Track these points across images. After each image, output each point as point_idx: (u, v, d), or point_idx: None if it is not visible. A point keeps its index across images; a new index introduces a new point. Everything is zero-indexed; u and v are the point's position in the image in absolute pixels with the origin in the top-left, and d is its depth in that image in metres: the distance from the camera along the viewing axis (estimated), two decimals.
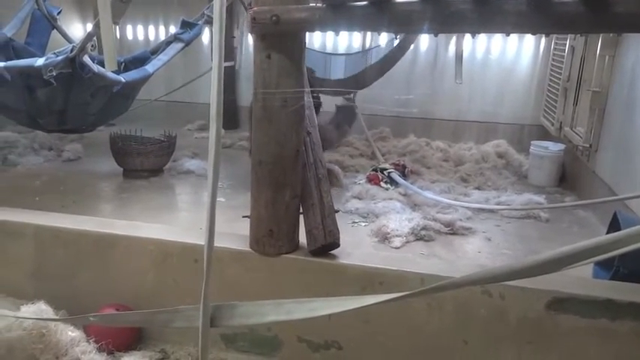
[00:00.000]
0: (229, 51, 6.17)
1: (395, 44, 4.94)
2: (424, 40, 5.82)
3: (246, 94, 6.19)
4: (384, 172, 4.18)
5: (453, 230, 3.34)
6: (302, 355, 2.38)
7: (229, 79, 6.23)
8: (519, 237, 3.33)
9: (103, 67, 3.02)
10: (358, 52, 5.44)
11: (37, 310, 2.24)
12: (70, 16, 6.54)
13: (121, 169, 4.36)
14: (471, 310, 2.17)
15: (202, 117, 6.09)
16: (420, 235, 3.22)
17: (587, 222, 3.60)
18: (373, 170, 4.31)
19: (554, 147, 4.49)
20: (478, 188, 4.28)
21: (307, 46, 2.32)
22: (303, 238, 2.37)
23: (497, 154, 5.06)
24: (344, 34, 6.02)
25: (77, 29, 6.63)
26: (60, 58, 3.04)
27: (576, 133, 4.25)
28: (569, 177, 4.46)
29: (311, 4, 2.16)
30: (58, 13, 4.31)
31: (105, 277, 2.59)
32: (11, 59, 3.61)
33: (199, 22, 4.06)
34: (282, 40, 2.15)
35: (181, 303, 1.53)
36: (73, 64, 3.07)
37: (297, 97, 2.22)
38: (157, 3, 6.55)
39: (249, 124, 3.37)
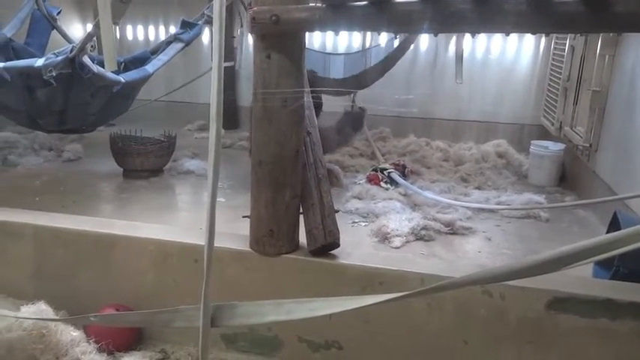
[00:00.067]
0: (229, 51, 6.17)
1: (395, 44, 4.93)
2: (424, 40, 5.82)
3: (246, 94, 6.19)
4: (384, 172, 4.19)
5: (453, 230, 3.34)
6: (302, 355, 2.38)
7: (229, 79, 6.23)
8: (519, 237, 3.33)
9: (103, 67, 3.02)
10: (358, 52, 5.43)
11: (37, 310, 2.24)
12: (70, 17, 6.54)
13: (121, 169, 4.36)
14: (471, 310, 2.17)
15: (202, 117, 6.09)
16: (420, 235, 3.22)
17: (587, 222, 3.60)
18: (373, 170, 4.32)
19: (554, 147, 4.49)
20: (478, 188, 4.28)
21: (307, 46, 2.32)
22: (303, 238, 2.37)
23: (497, 154, 5.06)
24: (344, 34, 6.02)
25: (77, 29, 6.63)
26: (60, 58, 3.04)
27: (576, 133, 4.25)
28: (569, 177, 4.46)
29: (311, 4, 2.16)
30: (58, 13, 4.31)
31: (105, 278, 2.59)
32: (11, 59, 3.61)
33: (199, 22, 4.06)
34: (282, 40, 2.15)
35: (181, 303, 1.53)
36: (73, 64, 3.07)
37: (297, 97, 2.22)
38: (156, 3, 6.55)
39: (249, 124, 3.36)
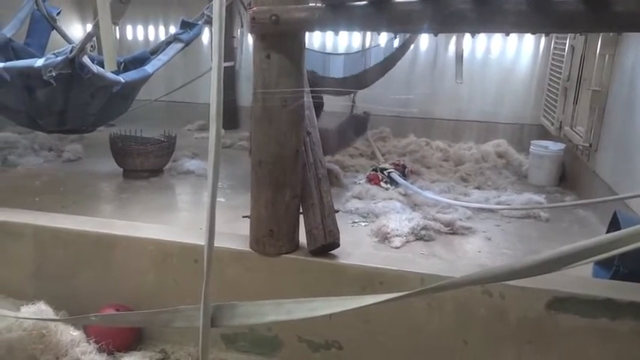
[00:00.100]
0: (229, 51, 6.17)
1: (395, 44, 4.93)
2: (424, 40, 5.82)
3: (246, 94, 6.19)
4: (384, 172, 4.18)
5: (452, 230, 3.34)
6: (302, 355, 2.38)
7: (229, 79, 6.22)
8: (519, 236, 3.33)
9: (103, 67, 3.02)
10: (357, 52, 5.43)
11: (37, 310, 2.24)
12: (70, 17, 6.54)
13: (121, 169, 4.36)
14: (471, 310, 2.17)
15: (202, 117, 6.09)
16: (420, 235, 3.22)
17: (587, 221, 3.60)
18: (373, 170, 4.31)
19: (554, 146, 4.49)
20: (478, 188, 4.28)
21: (306, 46, 2.32)
22: (303, 238, 2.37)
23: (497, 154, 5.06)
24: (343, 34, 6.02)
25: (77, 30, 6.63)
26: (59, 58, 3.04)
27: (576, 133, 4.24)
28: (569, 176, 4.46)
29: (310, 4, 2.16)
30: (58, 13, 4.31)
31: (105, 278, 2.59)
32: (11, 60, 3.61)
33: (199, 22, 4.06)
34: (281, 39, 2.15)
35: (181, 303, 1.53)
36: (73, 64, 3.07)
37: (297, 97, 2.22)
38: (156, 3, 6.55)
39: (249, 124, 3.35)
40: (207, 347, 1.45)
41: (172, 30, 5.11)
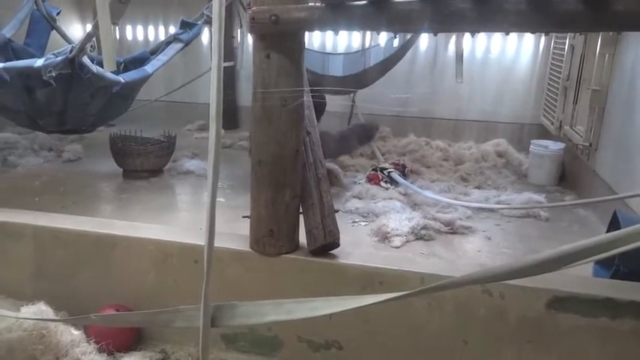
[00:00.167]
0: (229, 51, 6.17)
1: (394, 44, 4.93)
2: (424, 40, 5.81)
3: (246, 94, 6.18)
4: (384, 172, 4.18)
5: (452, 229, 3.34)
6: (302, 355, 2.38)
7: (229, 78, 6.22)
8: (519, 236, 3.33)
9: (103, 67, 3.02)
10: (357, 52, 5.43)
11: (38, 310, 2.24)
12: (70, 17, 6.53)
13: (121, 169, 4.36)
14: (471, 310, 2.17)
15: (202, 117, 6.09)
16: (419, 235, 3.22)
17: (587, 221, 3.60)
18: (373, 170, 4.31)
19: (554, 146, 4.49)
20: (478, 187, 4.27)
21: (306, 46, 2.32)
22: (303, 238, 2.37)
23: (497, 153, 5.06)
24: (343, 34, 6.02)
25: (76, 30, 6.63)
26: (59, 58, 3.04)
27: (576, 132, 4.24)
28: (569, 176, 4.46)
29: (310, 4, 2.16)
30: (58, 13, 4.31)
31: (105, 278, 2.59)
32: (10, 60, 3.61)
33: (199, 22, 4.06)
34: (281, 39, 2.15)
35: (182, 303, 1.53)
36: (73, 64, 3.07)
37: (297, 97, 2.22)
38: (156, 3, 6.55)
39: (249, 124, 3.35)
40: (208, 347, 1.45)
41: (172, 30, 5.11)
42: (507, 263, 1.17)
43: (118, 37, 6.77)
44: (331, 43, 6.13)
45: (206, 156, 1.46)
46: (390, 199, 3.79)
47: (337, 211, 2.38)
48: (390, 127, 5.84)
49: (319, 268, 2.31)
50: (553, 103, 4.95)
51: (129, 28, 6.84)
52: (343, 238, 2.34)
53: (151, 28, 6.79)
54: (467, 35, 4.76)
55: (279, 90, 2.18)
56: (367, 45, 5.84)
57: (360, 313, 2.22)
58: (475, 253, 3.06)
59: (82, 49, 3.01)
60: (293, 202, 2.33)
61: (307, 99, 2.38)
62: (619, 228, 1.71)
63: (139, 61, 4.01)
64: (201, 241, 1.42)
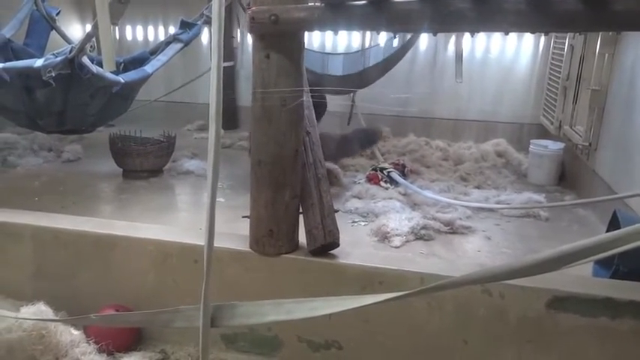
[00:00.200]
0: (228, 51, 6.17)
1: (394, 43, 4.93)
2: (423, 39, 5.81)
3: (245, 93, 6.18)
4: (384, 172, 4.18)
5: (452, 229, 3.34)
6: (302, 355, 2.38)
7: (229, 78, 6.22)
8: (519, 236, 3.33)
9: (102, 67, 3.02)
10: (356, 52, 5.43)
11: (37, 311, 2.24)
12: (69, 17, 6.53)
13: (121, 169, 4.36)
14: (471, 310, 2.17)
15: (202, 117, 6.09)
16: (419, 235, 3.22)
17: (586, 220, 3.60)
18: (373, 170, 4.31)
19: (554, 146, 4.49)
20: (478, 187, 4.27)
21: (305, 46, 2.32)
22: (302, 238, 2.37)
23: (496, 153, 5.06)
24: (343, 34, 6.02)
25: (76, 30, 6.62)
26: (59, 59, 3.04)
27: (576, 132, 4.25)
28: (569, 176, 4.46)
29: (310, 4, 2.16)
30: (57, 13, 4.30)
31: (105, 278, 2.59)
32: (10, 60, 3.61)
33: (198, 23, 4.05)
34: (280, 39, 2.15)
35: (181, 303, 1.53)
36: (72, 64, 3.07)
37: (296, 97, 2.22)
38: (156, 3, 6.55)
39: (249, 124, 3.34)
40: (207, 347, 1.45)
41: (172, 30, 5.12)
42: (507, 263, 1.17)
43: (117, 37, 6.77)
44: (331, 44, 6.13)
45: (206, 156, 1.46)
46: (390, 199, 3.79)
47: (337, 211, 2.38)
48: (389, 126, 5.84)
49: (319, 268, 2.31)
50: (553, 103, 4.95)
51: (128, 29, 6.84)
52: (343, 238, 2.34)
53: (150, 29, 6.79)
54: (466, 35, 4.76)
55: (278, 90, 2.18)
56: (367, 45, 5.84)
57: (359, 313, 2.22)
58: (475, 253, 3.06)
59: (81, 50, 3.01)
60: (293, 202, 2.33)
61: (307, 99, 2.38)
62: (619, 228, 1.71)
63: (139, 62, 4.00)
64: (201, 241, 1.42)
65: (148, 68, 3.77)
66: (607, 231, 2.63)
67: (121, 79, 3.47)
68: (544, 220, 3.59)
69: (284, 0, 2.11)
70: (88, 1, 6.08)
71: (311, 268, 2.32)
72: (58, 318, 2.30)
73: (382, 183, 4.13)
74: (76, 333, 2.28)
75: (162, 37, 5.52)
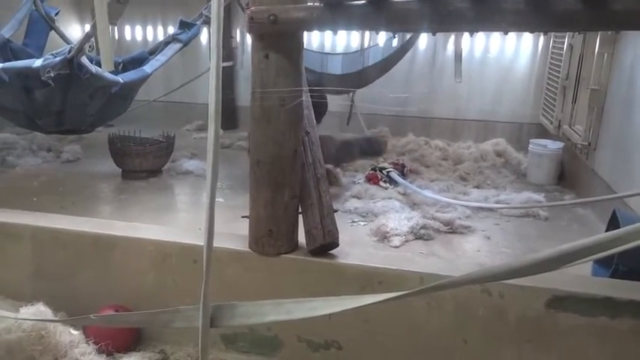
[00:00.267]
0: (228, 51, 6.17)
1: (393, 43, 4.93)
2: (422, 39, 5.81)
3: (245, 93, 6.18)
4: (383, 172, 4.19)
5: (452, 229, 3.34)
6: (302, 355, 2.38)
7: (228, 78, 6.23)
8: (518, 235, 3.33)
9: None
10: (356, 52, 5.43)
11: (37, 311, 2.23)
12: (68, 17, 6.52)
13: (120, 169, 4.36)
14: (471, 309, 2.17)
15: (201, 117, 6.09)
16: (419, 234, 3.22)
17: (586, 220, 3.61)
18: (372, 170, 4.31)
19: (553, 145, 4.49)
20: (477, 187, 4.28)
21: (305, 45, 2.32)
22: (302, 238, 2.37)
23: (496, 153, 5.07)
24: (342, 34, 6.02)
25: (75, 30, 6.62)
26: (58, 59, 3.04)
27: (575, 132, 4.25)
28: (568, 175, 4.46)
29: (309, 4, 2.16)
30: (56, 14, 4.30)
31: (104, 278, 2.59)
32: (9, 60, 3.60)
33: (197, 23, 4.05)
34: (280, 39, 2.15)
35: (181, 303, 1.53)
36: (71, 65, 3.07)
37: (295, 97, 2.22)
38: (155, 3, 6.54)
39: (248, 124, 3.32)
40: (207, 348, 1.45)
41: (171, 30, 5.11)
42: (506, 263, 1.17)
43: (116, 37, 6.77)
44: (330, 44, 6.12)
45: (205, 156, 1.46)
46: (389, 198, 3.79)
47: (336, 211, 2.38)
48: (389, 126, 5.85)
49: (318, 268, 2.31)
50: (552, 103, 4.96)
51: (128, 29, 6.84)
52: (342, 238, 2.34)
53: (149, 29, 6.79)
54: (466, 35, 4.76)
55: (277, 90, 2.18)
56: (366, 45, 5.84)
57: (359, 313, 2.22)
58: (474, 252, 3.07)
59: (80, 50, 3.01)
60: (292, 202, 2.33)
61: (306, 99, 2.38)
62: (618, 227, 1.71)
63: (138, 62, 4.00)
64: (201, 242, 1.41)
65: (147, 68, 3.77)
66: (606, 230, 2.63)
67: (120, 79, 3.46)
68: (543, 220, 3.59)
69: (283, 0, 2.10)
70: (87, 1, 6.08)
71: (310, 268, 2.32)
72: (57, 318, 2.30)
73: (381, 183, 4.13)
74: (75, 333, 2.28)
75: (161, 37, 5.50)
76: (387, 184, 4.10)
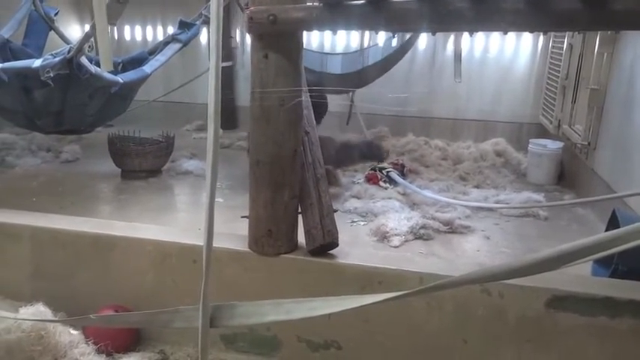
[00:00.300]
0: (227, 51, 6.17)
1: (393, 43, 4.93)
2: (422, 39, 5.81)
3: (244, 93, 6.18)
4: (383, 172, 4.19)
5: (451, 229, 3.34)
6: (302, 355, 2.38)
7: (227, 78, 6.23)
8: (518, 235, 3.33)
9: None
10: (355, 52, 5.44)
11: (36, 311, 2.23)
12: (68, 17, 6.52)
13: (120, 170, 4.36)
14: (470, 309, 2.17)
15: (200, 117, 6.08)
16: (418, 234, 3.22)
17: (586, 220, 3.61)
18: (372, 169, 4.31)
19: (553, 145, 4.49)
20: (477, 187, 4.28)
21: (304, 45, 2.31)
22: (302, 238, 2.37)
23: (495, 153, 5.07)
24: (342, 34, 6.02)
25: (75, 30, 6.61)
26: (57, 59, 3.04)
27: (575, 131, 4.25)
28: (568, 175, 4.46)
29: (308, 4, 2.16)
30: (56, 14, 4.30)
31: (104, 279, 2.58)
32: (8, 60, 3.61)
33: (197, 23, 4.06)
34: (279, 39, 2.15)
35: (180, 303, 1.52)
36: (71, 65, 3.07)
37: (295, 97, 2.22)
38: (154, 3, 6.54)
39: (248, 124, 3.31)
40: (207, 348, 1.44)
41: (170, 30, 5.11)
42: (506, 262, 1.16)
43: (116, 37, 6.77)
44: (329, 43, 6.12)
45: (204, 156, 1.46)
46: (389, 198, 3.79)
47: (336, 211, 2.38)
48: (388, 126, 5.85)
49: (318, 268, 2.31)
50: (552, 102, 4.96)
51: (127, 29, 6.84)
52: (342, 238, 2.34)
53: (149, 29, 6.79)
54: (465, 35, 4.76)
55: (277, 90, 2.17)
56: (366, 45, 5.84)
57: (359, 313, 2.22)
58: (474, 252, 3.07)
59: (79, 50, 3.01)
60: (292, 202, 2.33)
61: (305, 99, 2.37)
62: (618, 227, 1.71)
63: (138, 62, 4.00)
64: (200, 242, 1.41)
65: (147, 68, 3.77)
66: (606, 230, 2.63)
67: (119, 79, 3.46)
68: (543, 220, 3.59)
69: (282, 0, 2.10)
70: (87, 1, 6.08)
71: (310, 268, 2.32)
72: (56, 318, 2.30)
73: (381, 183, 4.13)
74: (74, 333, 2.28)
75: (160, 38, 5.50)
76: (387, 184, 4.10)
